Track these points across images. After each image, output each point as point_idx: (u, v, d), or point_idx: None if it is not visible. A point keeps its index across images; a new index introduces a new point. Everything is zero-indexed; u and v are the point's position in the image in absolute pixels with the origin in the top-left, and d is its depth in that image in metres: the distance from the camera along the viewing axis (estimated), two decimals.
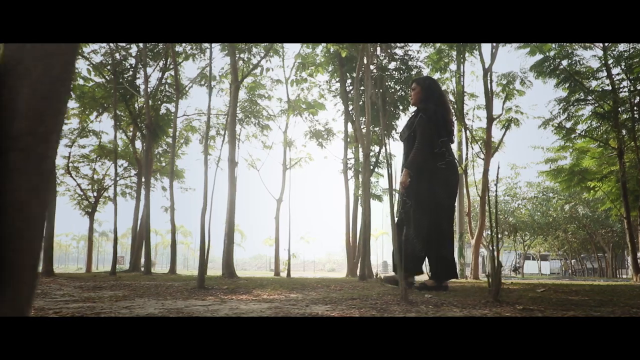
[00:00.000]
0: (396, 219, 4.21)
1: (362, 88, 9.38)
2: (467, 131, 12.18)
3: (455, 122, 11.99)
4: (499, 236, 29.19)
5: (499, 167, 3.14)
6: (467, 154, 12.36)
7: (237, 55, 8.75)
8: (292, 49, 25.49)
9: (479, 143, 12.22)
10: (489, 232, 26.11)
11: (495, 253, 2.90)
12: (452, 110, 11.71)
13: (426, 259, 4.03)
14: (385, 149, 3.00)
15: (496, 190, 2.63)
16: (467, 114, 12.28)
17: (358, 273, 7.28)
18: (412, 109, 4.32)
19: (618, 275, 30.45)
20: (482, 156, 11.68)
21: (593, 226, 27.39)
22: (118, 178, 16.49)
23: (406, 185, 3.91)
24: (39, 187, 0.62)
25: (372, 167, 11.29)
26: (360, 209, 13.23)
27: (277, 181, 14.56)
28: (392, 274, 4.10)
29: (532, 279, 14.76)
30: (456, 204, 9.07)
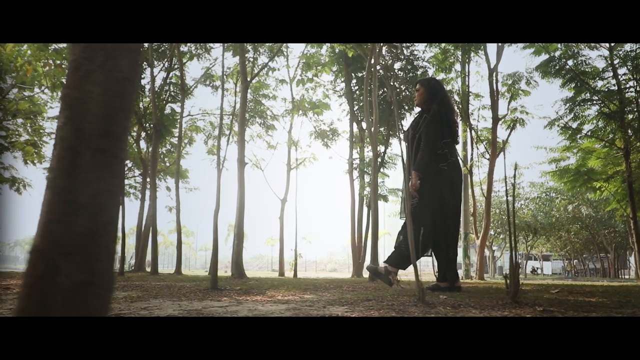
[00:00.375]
0: (403, 220, 4.25)
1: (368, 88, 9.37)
2: (472, 131, 12.15)
3: (460, 122, 11.97)
4: (502, 236, 29.18)
5: (516, 167, 3.13)
6: (472, 154, 12.34)
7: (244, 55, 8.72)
8: (296, 49, 25.49)
9: (484, 143, 12.19)
10: (492, 232, 26.13)
11: (513, 253, 2.88)
12: (457, 111, 11.71)
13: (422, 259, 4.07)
14: (402, 149, 3.00)
15: (514, 191, 2.61)
16: (472, 114, 12.26)
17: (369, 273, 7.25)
18: (418, 109, 4.34)
19: (620, 276, 30.41)
20: (487, 156, 11.67)
21: (596, 226, 27.36)
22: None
23: (417, 187, 3.91)
24: (112, 189, 0.60)
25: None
26: (365, 209, 13.22)
27: (279, 181, 14.52)
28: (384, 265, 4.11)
29: (536, 279, 14.73)
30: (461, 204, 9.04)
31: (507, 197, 2.50)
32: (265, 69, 10.87)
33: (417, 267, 2.95)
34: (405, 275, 6.52)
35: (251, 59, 11.11)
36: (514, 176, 2.64)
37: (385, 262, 4.10)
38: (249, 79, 7.35)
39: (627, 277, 29.49)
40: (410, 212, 3.97)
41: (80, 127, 0.61)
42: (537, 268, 31.13)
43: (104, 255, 0.59)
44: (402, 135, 4.18)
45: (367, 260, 13.27)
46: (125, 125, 0.65)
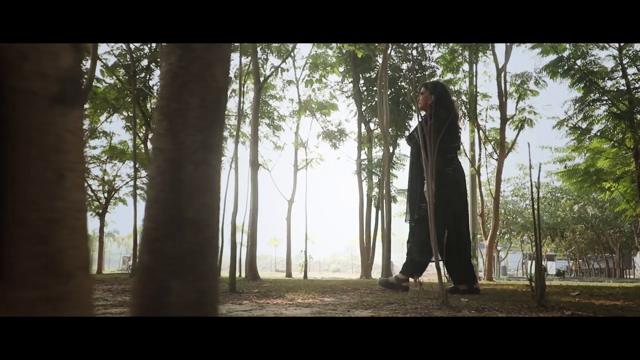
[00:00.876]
0: (407, 223, 4.30)
1: (375, 89, 9.35)
2: (480, 131, 12.09)
3: (468, 124, 11.93)
4: (507, 237, 29.11)
5: (540, 168, 3.11)
6: (480, 155, 12.28)
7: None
8: (303, 50, 25.34)
9: (491, 143, 12.13)
10: (496, 233, 26.02)
11: (538, 256, 2.86)
12: (464, 111, 11.66)
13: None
14: (432, 150, 2.98)
15: (538, 193, 2.59)
16: (479, 114, 12.20)
17: (380, 275, 7.22)
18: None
19: (625, 276, 30.32)
20: (495, 157, 11.61)
21: (602, 226, 27.28)
22: (128, 178, 16.54)
23: (434, 193, 3.94)
24: (214, 203, 0.58)
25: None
26: (373, 210, 13.19)
27: (284, 182, 14.42)
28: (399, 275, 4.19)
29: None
30: (468, 206, 9.01)
31: (532, 201, 2.48)
32: (273, 69, 10.80)
33: (440, 271, 2.94)
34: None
35: (261, 60, 11.05)
36: (538, 179, 2.62)
37: (400, 272, 4.20)
38: (262, 80, 7.31)
39: (631, 277, 29.42)
40: (428, 215, 3.99)
41: (181, 140, 0.59)
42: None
43: (210, 272, 0.58)
44: (406, 136, 4.20)
45: (376, 261, 13.26)
46: (221, 137, 0.63)
